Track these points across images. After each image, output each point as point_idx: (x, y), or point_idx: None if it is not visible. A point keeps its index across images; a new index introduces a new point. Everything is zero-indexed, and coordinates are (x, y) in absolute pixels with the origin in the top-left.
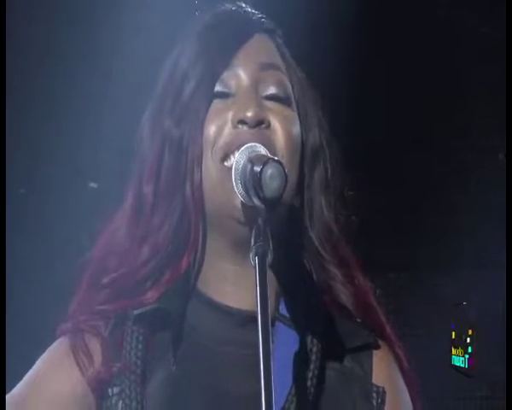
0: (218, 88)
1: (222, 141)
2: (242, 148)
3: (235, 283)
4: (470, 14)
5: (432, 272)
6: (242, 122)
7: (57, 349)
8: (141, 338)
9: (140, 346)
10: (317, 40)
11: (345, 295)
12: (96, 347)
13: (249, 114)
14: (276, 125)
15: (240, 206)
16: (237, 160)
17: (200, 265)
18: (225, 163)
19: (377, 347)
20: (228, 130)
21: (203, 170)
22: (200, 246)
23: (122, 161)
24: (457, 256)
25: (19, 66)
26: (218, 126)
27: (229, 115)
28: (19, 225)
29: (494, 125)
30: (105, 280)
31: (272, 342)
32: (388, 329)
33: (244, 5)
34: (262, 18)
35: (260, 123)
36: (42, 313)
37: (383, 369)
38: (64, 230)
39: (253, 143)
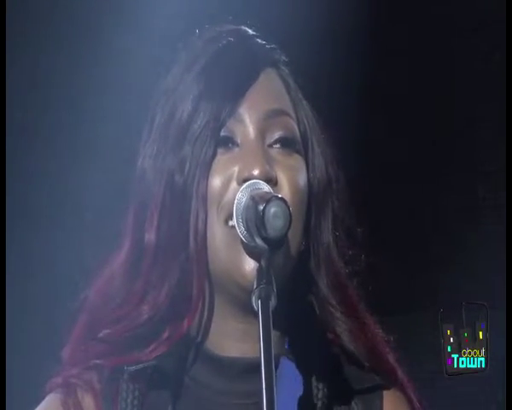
0: (223, 133)
1: (227, 199)
2: (244, 185)
3: (240, 339)
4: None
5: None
6: (248, 181)
7: (48, 407)
8: (137, 393)
9: (136, 402)
10: (321, 60)
11: (353, 344)
12: (89, 403)
13: (256, 173)
14: (283, 179)
15: (247, 273)
16: (239, 197)
17: (207, 325)
18: (230, 222)
19: (387, 387)
20: (233, 187)
21: (208, 226)
22: (206, 307)
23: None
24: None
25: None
26: (224, 182)
27: (235, 170)
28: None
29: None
30: (101, 334)
31: (275, 385)
32: (400, 374)
33: (248, 30)
34: (266, 45)
35: (267, 182)
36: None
37: None
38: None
39: (255, 180)
